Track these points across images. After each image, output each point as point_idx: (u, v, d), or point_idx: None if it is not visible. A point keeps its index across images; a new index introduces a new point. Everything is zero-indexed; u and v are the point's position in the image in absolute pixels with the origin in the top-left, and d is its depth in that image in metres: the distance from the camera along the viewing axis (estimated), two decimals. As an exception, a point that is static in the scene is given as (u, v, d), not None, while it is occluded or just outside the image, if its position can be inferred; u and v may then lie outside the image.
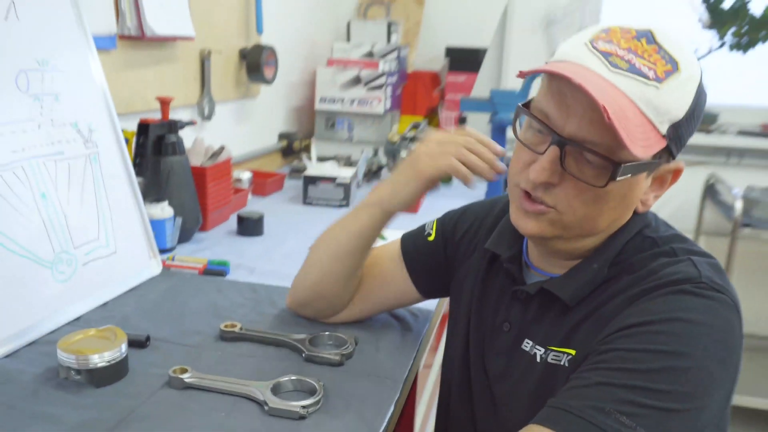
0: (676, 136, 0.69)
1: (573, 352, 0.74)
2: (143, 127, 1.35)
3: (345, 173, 1.83)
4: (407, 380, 0.91)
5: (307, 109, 2.63)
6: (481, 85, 2.55)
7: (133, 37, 1.45)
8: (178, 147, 1.40)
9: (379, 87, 2.38)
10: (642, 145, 0.65)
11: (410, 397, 1.11)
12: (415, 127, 2.11)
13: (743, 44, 2.74)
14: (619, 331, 0.68)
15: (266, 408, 0.79)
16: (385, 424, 0.78)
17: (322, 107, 2.43)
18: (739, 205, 2.24)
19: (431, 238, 0.99)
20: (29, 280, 0.95)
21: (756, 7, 2.70)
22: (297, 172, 2.18)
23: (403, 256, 1.00)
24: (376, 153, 2.26)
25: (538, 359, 0.78)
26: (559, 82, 0.69)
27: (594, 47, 0.69)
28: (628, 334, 0.67)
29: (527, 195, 0.74)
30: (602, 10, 2.90)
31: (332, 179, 1.80)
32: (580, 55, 0.69)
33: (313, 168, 1.89)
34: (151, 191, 1.33)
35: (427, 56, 3.05)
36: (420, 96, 2.74)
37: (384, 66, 2.41)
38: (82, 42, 1.14)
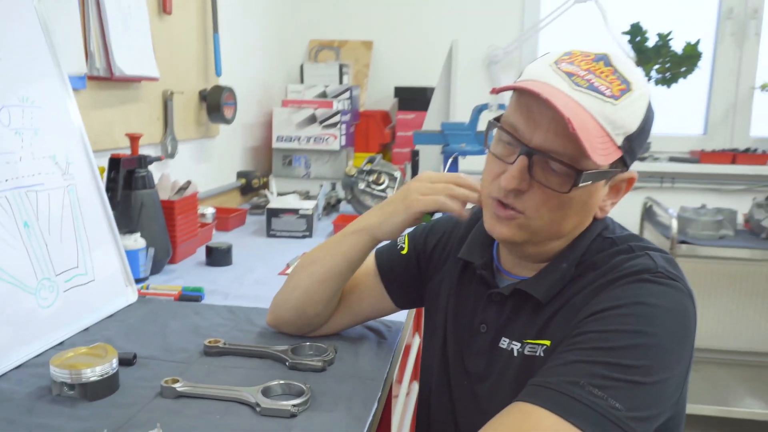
0: (630, 148, 0.79)
1: (548, 342, 0.81)
2: (114, 162, 1.40)
3: (307, 205, 1.90)
4: (387, 381, 0.97)
5: (264, 149, 2.70)
6: (431, 122, 2.68)
7: (102, 78, 1.50)
8: (148, 181, 1.44)
9: (334, 125, 2.47)
10: (601, 154, 0.74)
11: (387, 400, 1.16)
12: (371, 161, 2.21)
13: (667, 79, 2.97)
14: (590, 316, 0.76)
15: (258, 409, 0.83)
16: (371, 417, 0.84)
17: (279, 145, 2.51)
18: (674, 224, 2.41)
19: (404, 252, 1.06)
20: (15, 304, 0.98)
21: (677, 45, 2.94)
22: (258, 208, 2.23)
23: (378, 270, 1.06)
24: (333, 187, 2.34)
25: (515, 353, 0.85)
26: (527, 99, 0.78)
27: (558, 68, 0.78)
28: (597, 318, 0.75)
29: (499, 203, 0.82)
30: (539, 51, 3.10)
31: (295, 211, 1.86)
32: (545, 75, 0.78)
33: (276, 201, 1.95)
34: (123, 223, 1.36)
35: (377, 96, 3.18)
36: (372, 133, 2.85)
37: (338, 105, 2.51)
38: (59, 81, 1.19)
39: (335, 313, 1.06)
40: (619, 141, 0.77)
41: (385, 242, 1.06)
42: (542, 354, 0.82)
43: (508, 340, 0.87)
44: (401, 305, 1.08)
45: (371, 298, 1.07)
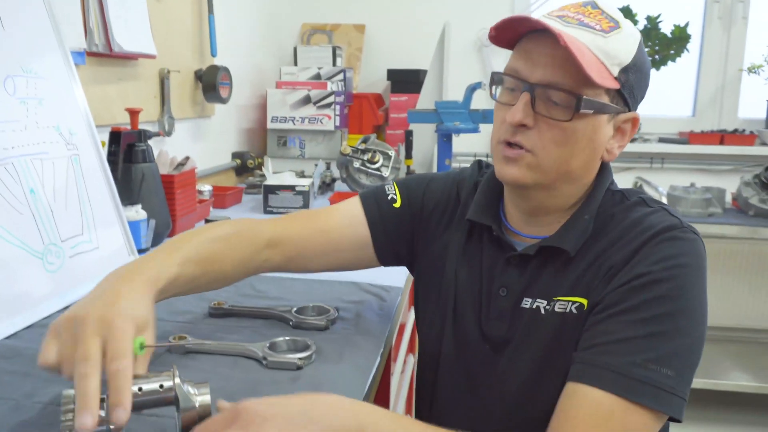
0: (627, 82, 0.82)
1: (583, 300, 0.82)
2: (115, 135, 1.41)
3: (303, 182, 1.92)
4: (388, 338, 1.00)
5: (259, 130, 2.72)
6: (424, 104, 2.70)
7: (101, 54, 1.51)
8: (148, 155, 1.46)
9: (329, 105, 2.49)
10: (598, 76, 0.77)
11: (387, 361, 1.19)
12: (365, 140, 2.23)
13: (657, 61, 3.00)
14: (630, 281, 0.77)
15: (265, 362, 0.86)
16: (374, 369, 0.87)
17: (273, 126, 2.53)
18: (664, 202, 2.45)
19: (396, 205, 1.00)
20: (23, 268, 1.00)
21: (665, 28, 2.98)
22: (254, 187, 2.25)
23: (367, 219, 0.99)
24: (328, 167, 2.36)
25: (542, 311, 0.85)
26: (525, 44, 0.82)
27: (549, 14, 0.84)
28: (638, 284, 0.77)
29: (507, 145, 0.84)
30: (530, 32, 3.12)
31: (292, 187, 1.89)
32: (539, 20, 0.82)
33: (272, 179, 1.98)
34: (124, 196, 1.38)
35: (370, 79, 3.20)
36: (365, 115, 2.87)
37: (332, 86, 2.53)
38: (62, 55, 1.21)
39: (312, 257, 0.98)
40: (615, 72, 0.80)
41: (370, 187, 1.06)
42: (575, 311, 0.82)
43: (531, 299, 0.86)
44: (383, 260, 1.02)
45: (353, 246, 0.99)
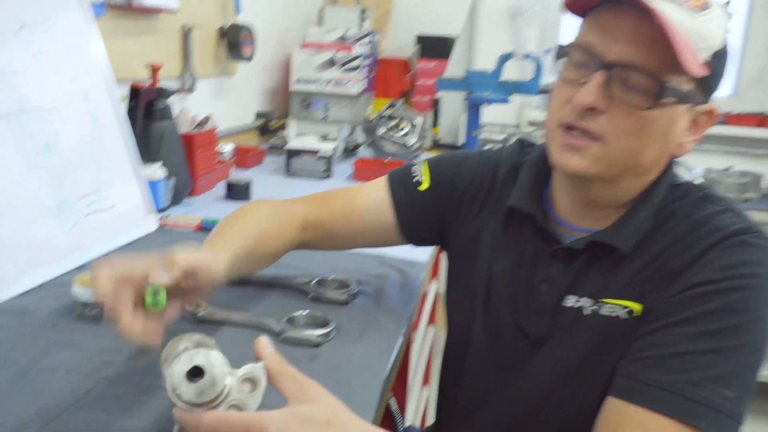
0: (714, 69, 0.71)
1: (636, 305, 0.74)
2: (134, 92, 1.36)
3: (326, 146, 1.87)
4: (411, 318, 0.95)
5: (282, 90, 2.65)
6: (453, 71, 2.62)
7: (121, 6, 1.45)
8: (168, 112, 1.41)
9: (354, 69, 2.42)
10: (691, 62, 0.66)
11: (407, 340, 1.15)
12: (392, 106, 2.16)
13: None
14: (689, 289, 0.69)
15: (281, 338, 0.82)
16: (395, 351, 0.83)
17: (298, 88, 2.46)
18: (731, 199, 2.37)
19: (423, 187, 0.94)
20: (37, 225, 0.97)
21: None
22: (276, 148, 2.20)
23: (393, 203, 0.94)
24: (352, 131, 2.30)
25: (586, 312, 0.77)
26: (601, 16, 0.71)
27: None
28: (698, 294, 0.69)
29: (569, 130, 0.73)
30: (566, 1, 3.01)
31: (314, 152, 1.83)
32: None
33: (295, 141, 1.92)
34: (143, 154, 1.33)
35: (398, 44, 3.11)
36: (391, 81, 2.79)
37: (358, 49, 2.45)
38: (79, 5, 1.15)
39: (341, 239, 0.96)
40: (705, 56, 0.69)
41: (397, 169, 0.98)
42: (626, 316, 0.74)
43: (575, 298, 0.78)
44: (412, 241, 0.97)
45: (381, 229, 0.95)
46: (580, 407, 0.77)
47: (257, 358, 0.58)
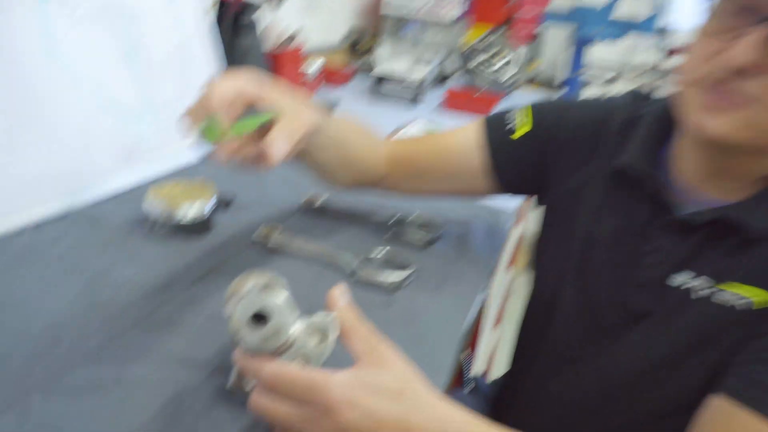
0: None
1: (762, 294, 0.64)
2: (222, 6, 1.30)
3: (414, 75, 1.76)
4: (493, 269, 0.88)
5: (374, 12, 2.54)
6: (558, 4, 2.41)
7: None
8: (254, 28, 1.34)
9: (453, -7, 2.26)
10: None
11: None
12: (489, 35, 2.02)
13: None
14: None
15: (354, 278, 0.77)
16: (475, 305, 0.76)
17: (391, 10, 2.34)
18: None
19: (524, 130, 0.84)
20: (117, 129, 0.94)
21: None
22: (365, 69, 2.12)
23: (490, 148, 0.85)
24: (446, 58, 2.17)
25: (693, 297, 0.68)
26: None
27: None
28: None
29: (714, 87, 0.60)
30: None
31: (401, 80, 1.74)
32: None
33: (385, 63, 1.83)
34: (226, 70, 1.29)
35: (501, -32, 2.89)
36: (491, 8, 2.60)
37: (459, -29, 2.29)
38: None
39: (428, 179, 0.88)
40: None
41: (495, 112, 0.89)
42: (743, 308, 0.64)
43: (688, 275, 0.68)
44: (507, 189, 0.88)
45: (474, 173, 0.86)
46: (669, 398, 0.68)
47: (329, 308, 0.52)
